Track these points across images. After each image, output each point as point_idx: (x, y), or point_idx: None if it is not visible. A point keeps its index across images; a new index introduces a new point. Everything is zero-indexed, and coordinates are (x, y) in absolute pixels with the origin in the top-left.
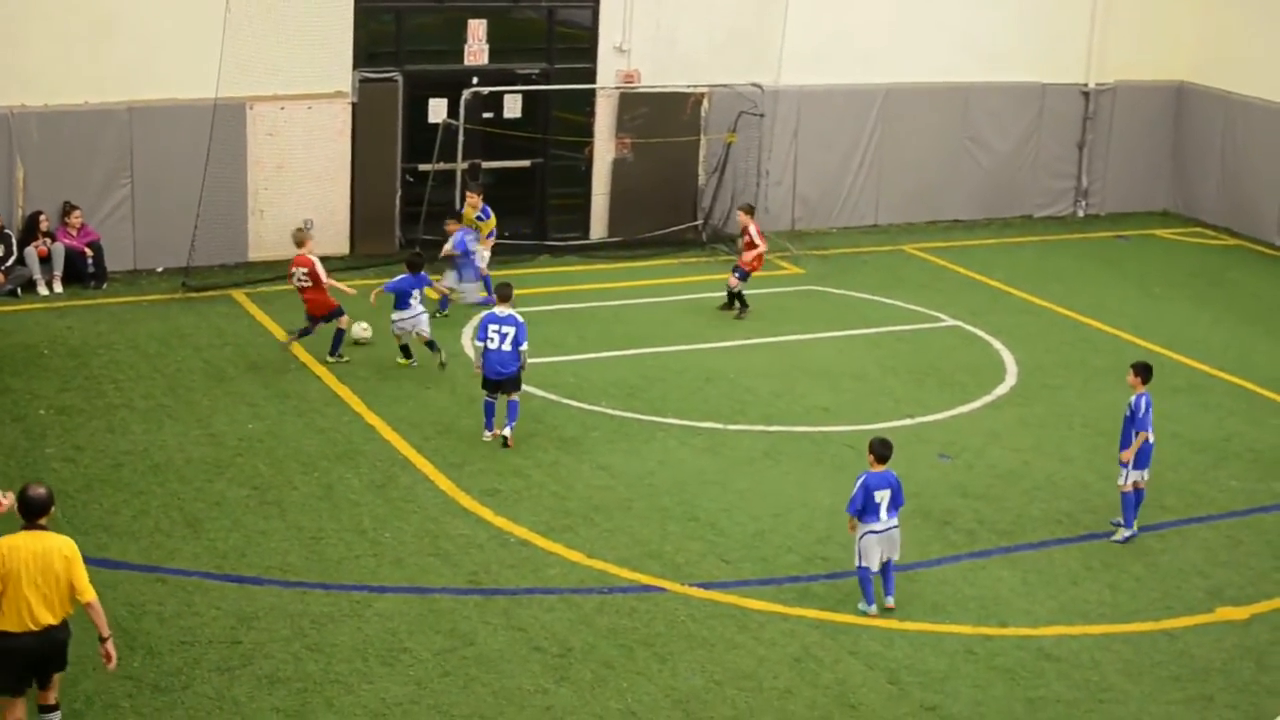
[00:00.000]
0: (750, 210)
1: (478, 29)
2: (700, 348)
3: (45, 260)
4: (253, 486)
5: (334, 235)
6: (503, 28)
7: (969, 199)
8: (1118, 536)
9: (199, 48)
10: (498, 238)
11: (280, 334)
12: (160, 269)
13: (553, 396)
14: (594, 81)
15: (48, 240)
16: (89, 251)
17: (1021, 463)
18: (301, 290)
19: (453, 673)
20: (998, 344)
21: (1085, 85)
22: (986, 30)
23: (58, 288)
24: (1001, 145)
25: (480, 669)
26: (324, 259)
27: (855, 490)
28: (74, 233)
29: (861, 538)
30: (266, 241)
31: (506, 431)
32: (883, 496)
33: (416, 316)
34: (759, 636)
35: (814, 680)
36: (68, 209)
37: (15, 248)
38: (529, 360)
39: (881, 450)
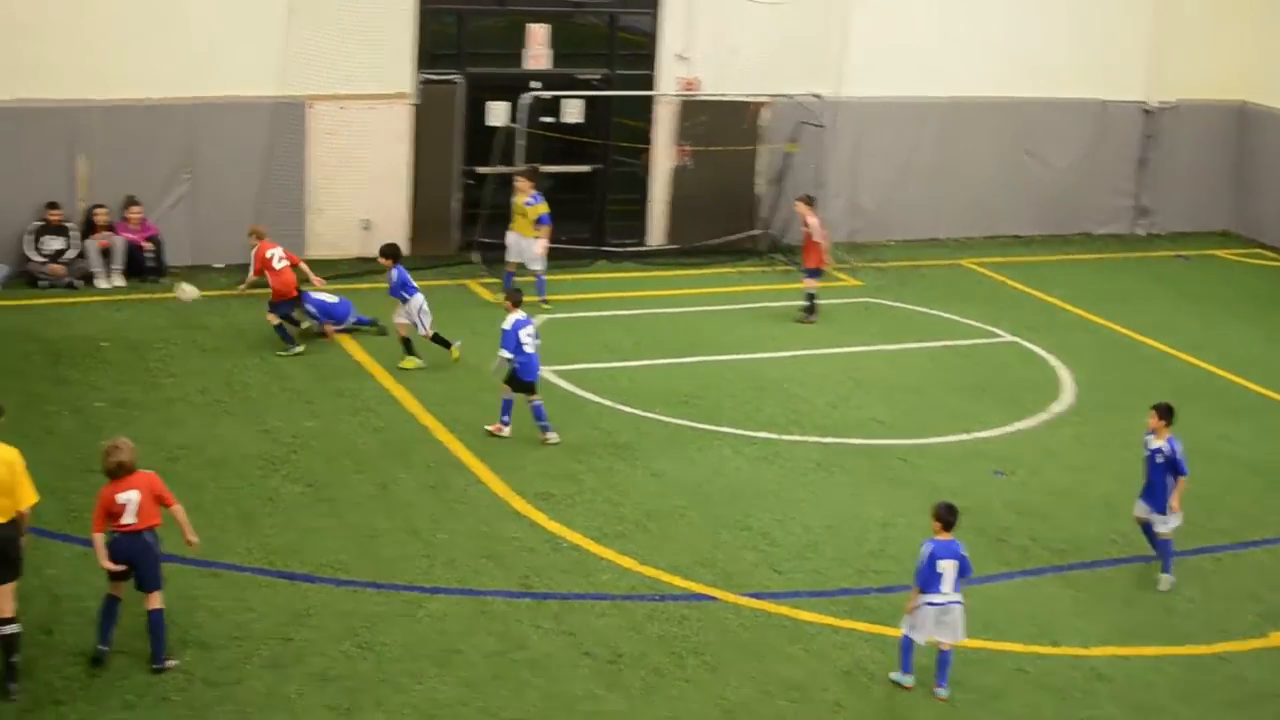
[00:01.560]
0: (810, 201)
1: (539, 33)
2: (756, 357)
3: (105, 253)
4: (307, 484)
5: (392, 236)
6: (564, 32)
7: (1028, 214)
8: (1163, 586)
9: (261, 45)
10: (555, 242)
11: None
12: (219, 265)
13: (607, 402)
14: (654, 88)
15: (108, 234)
16: (149, 245)
17: (1077, 481)
18: (275, 274)
19: (503, 675)
20: (1055, 361)
21: (1146, 103)
22: (1048, 46)
23: (118, 281)
24: (1061, 161)
25: (531, 672)
26: None
27: (921, 561)
28: (134, 227)
29: (918, 609)
30: (324, 239)
31: (554, 437)
32: (945, 566)
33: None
34: (810, 648)
35: (864, 694)
36: (128, 203)
37: (77, 240)
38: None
39: (947, 516)
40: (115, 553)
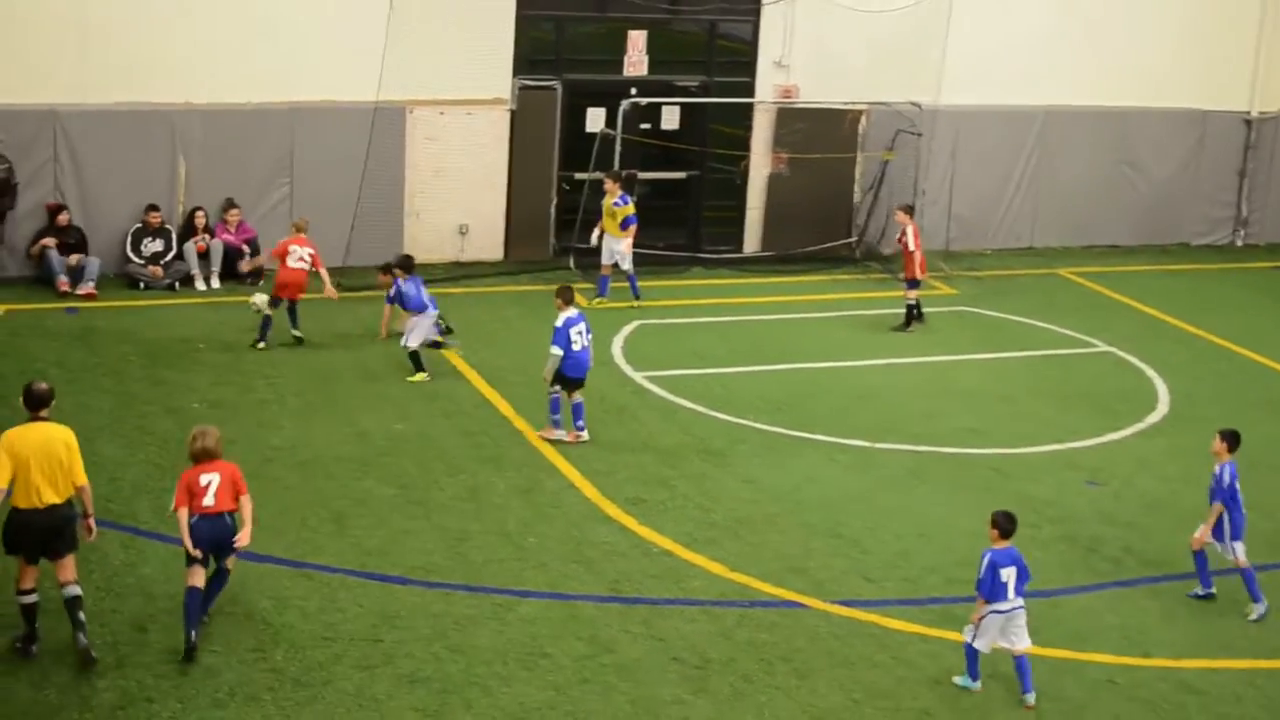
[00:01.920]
0: (909, 210)
1: (638, 40)
2: (850, 364)
3: (203, 256)
4: (399, 486)
5: (489, 241)
6: (663, 39)
7: (1126, 224)
8: (1252, 615)
9: (361, 50)
10: (652, 248)
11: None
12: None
13: (700, 408)
14: (752, 95)
15: (206, 236)
16: (246, 248)
17: (1170, 492)
18: (286, 268)
19: (592, 680)
20: (1151, 371)
21: (1248, 113)
22: (1148, 55)
23: (215, 283)
24: (1160, 171)
25: (619, 677)
26: (477, 264)
27: (982, 571)
28: (232, 229)
29: (984, 618)
30: (422, 244)
31: (585, 435)
32: (1008, 574)
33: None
34: (899, 656)
35: (953, 703)
36: (227, 206)
37: (175, 243)
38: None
39: (1006, 524)
40: (198, 535)
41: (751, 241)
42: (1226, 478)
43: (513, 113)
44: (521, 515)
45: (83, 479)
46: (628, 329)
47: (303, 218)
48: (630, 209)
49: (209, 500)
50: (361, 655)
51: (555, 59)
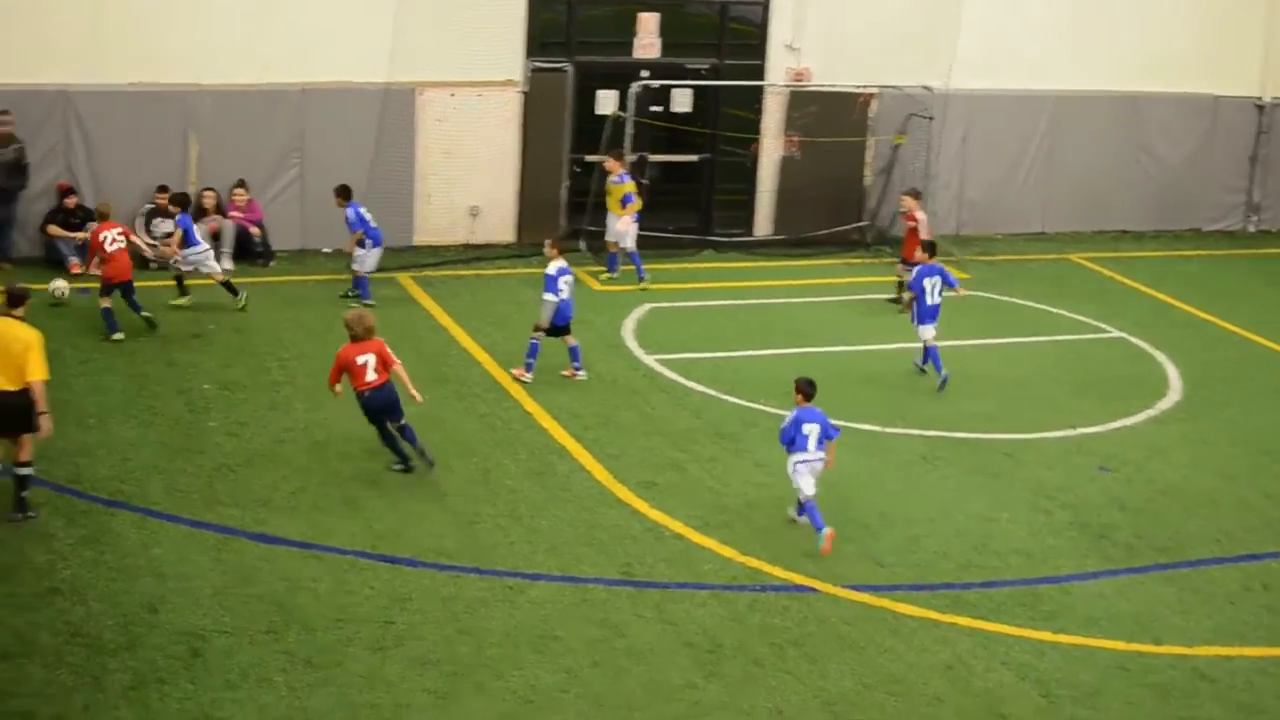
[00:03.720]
0: (916, 195)
1: (649, 22)
2: (861, 349)
3: (215, 237)
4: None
5: (500, 223)
6: (674, 22)
7: (1138, 210)
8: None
9: (372, 32)
10: (663, 231)
11: (445, 318)
12: (328, 250)
13: (712, 392)
14: (763, 78)
15: (218, 216)
16: (255, 229)
17: (1182, 478)
18: (108, 257)
19: (603, 663)
20: (1162, 357)
21: (1260, 98)
22: (1160, 40)
23: (227, 264)
24: (1172, 157)
25: (630, 660)
26: (488, 246)
27: (787, 422)
28: (240, 209)
29: (794, 468)
30: (432, 226)
31: (583, 374)
32: (810, 429)
33: (199, 255)
34: (910, 642)
35: (965, 688)
36: (234, 186)
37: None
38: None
39: (807, 388)
40: (371, 403)
41: (762, 225)
42: (914, 276)
43: (524, 94)
44: (533, 498)
45: (35, 376)
46: (639, 312)
47: (105, 203)
48: (629, 186)
49: (370, 376)
50: (373, 637)
51: (566, 41)
